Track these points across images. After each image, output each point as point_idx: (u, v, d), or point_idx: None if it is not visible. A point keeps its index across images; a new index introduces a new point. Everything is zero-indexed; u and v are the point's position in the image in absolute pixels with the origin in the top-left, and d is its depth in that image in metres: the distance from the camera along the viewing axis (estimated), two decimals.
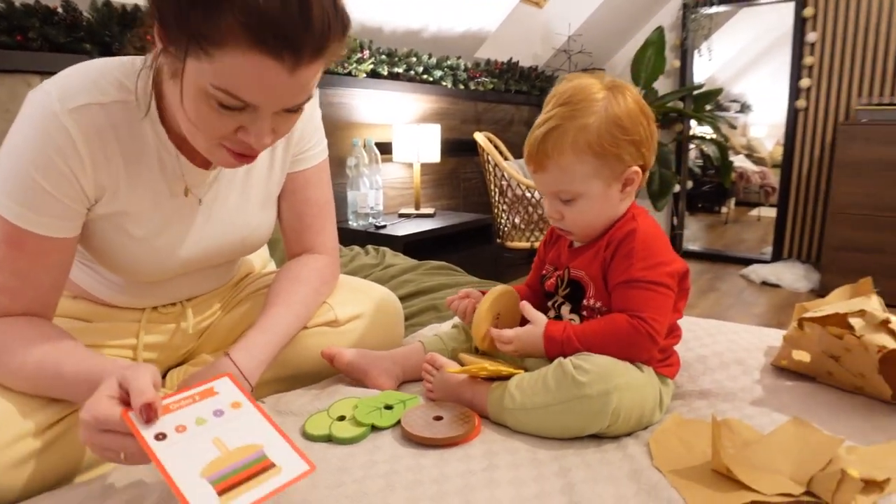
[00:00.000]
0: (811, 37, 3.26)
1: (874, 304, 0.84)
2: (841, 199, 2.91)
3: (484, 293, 0.89)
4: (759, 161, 4.92)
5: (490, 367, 0.79)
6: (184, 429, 0.58)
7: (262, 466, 0.57)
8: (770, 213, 3.92)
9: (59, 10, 1.59)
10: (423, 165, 2.83)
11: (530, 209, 2.67)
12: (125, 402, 0.58)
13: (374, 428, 0.76)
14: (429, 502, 0.62)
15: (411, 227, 2.36)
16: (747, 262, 3.68)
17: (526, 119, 3.63)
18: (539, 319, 0.82)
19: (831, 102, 3.27)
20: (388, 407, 0.80)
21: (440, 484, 0.65)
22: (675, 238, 3.95)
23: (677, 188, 3.79)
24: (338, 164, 2.47)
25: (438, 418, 0.76)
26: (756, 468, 0.64)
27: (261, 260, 1.15)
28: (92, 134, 0.70)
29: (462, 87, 3.04)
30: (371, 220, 2.43)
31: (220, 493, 0.53)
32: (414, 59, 2.74)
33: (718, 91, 3.90)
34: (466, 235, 2.63)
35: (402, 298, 1.32)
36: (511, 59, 3.34)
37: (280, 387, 0.92)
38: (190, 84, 0.63)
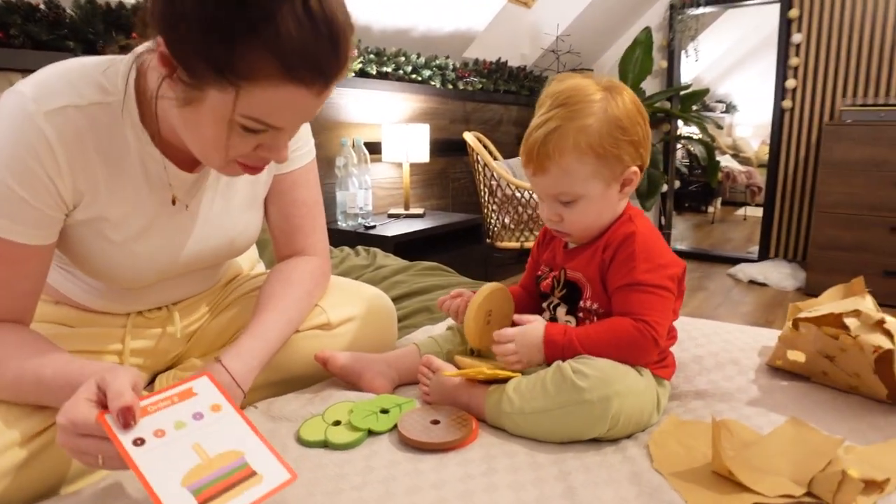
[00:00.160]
0: (796, 38, 3.30)
1: (868, 303, 0.84)
2: (826, 198, 2.95)
3: (475, 293, 0.88)
4: (744, 161, 4.97)
5: (487, 370, 0.78)
6: (163, 433, 0.57)
7: (243, 475, 0.56)
8: (756, 212, 3.96)
9: (42, 6, 1.55)
10: (413, 165, 2.81)
11: (520, 209, 2.67)
12: (103, 404, 0.56)
13: (371, 432, 0.75)
14: None
15: (401, 228, 2.34)
16: (734, 261, 3.72)
17: (514, 119, 3.63)
18: (536, 318, 0.81)
19: (816, 103, 3.30)
20: (384, 411, 0.79)
21: (439, 489, 0.64)
22: (664, 237, 3.97)
23: (665, 188, 3.81)
24: (326, 163, 2.45)
25: (436, 422, 0.75)
26: (756, 469, 0.63)
27: (249, 261, 1.13)
28: (70, 137, 0.67)
29: (451, 86, 3.03)
30: (360, 220, 2.41)
31: (202, 502, 0.52)
32: (403, 59, 2.73)
33: (705, 91, 3.93)
34: (456, 236, 2.62)
35: (395, 300, 1.31)
36: (500, 58, 3.33)
37: (271, 391, 0.91)
38: (211, 112, 0.63)
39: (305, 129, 0.94)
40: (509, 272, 3.33)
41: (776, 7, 3.36)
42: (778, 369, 0.93)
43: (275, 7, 0.57)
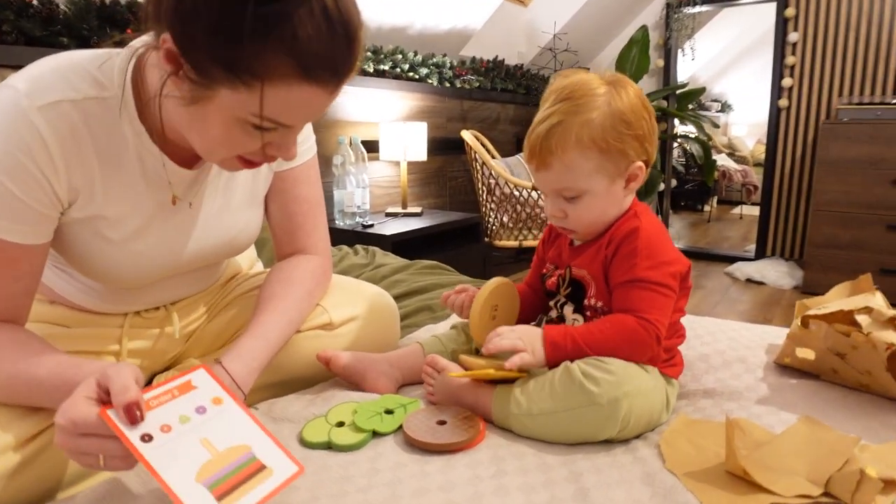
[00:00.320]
0: (793, 37, 3.30)
1: (878, 300, 0.83)
2: (823, 196, 2.95)
3: (480, 288, 0.86)
4: (740, 160, 4.98)
5: (495, 371, 0.76)
6: (169, 428, 0.56)
7: (253, 469, 0.56)
8: (752, 210, 3.96)
9: (35, 2, 1.53)
10: (410, 164, 2.79)
11: (518, 207, 2.66)
12: (104, 402, 0.55)
13: (375, 434, 0.73)
14: None
15: (399, 227, 2.33)
16: (731, 259, 3.72)
17: (512, 117, 3.61)
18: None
19: (813, 101, 3.31)
20: (389, 411, 0.77)
21: (447, 492, 0.62)
22: None
23: (662, 186, 3.81)
24: (324, 162, 2.42)
25: (442, 423, 0.74)
26: (771, 469, 0.62)
27: (248, 260, 1.11)
28: (64, 133, 0.65)
29: (448, 84, 3.02)
30: (358, 219, 2.39)
31: (219, 498, 0.52)
32: (400, 57, 2.71)
33: (702, 90, 3.93)
34: (454, 234, 2.61)
35: (395, 299, 1.29)
36: (497, 56, 3.32)
37: (272, 392, 0.89)
38: (220, 111, 0.61)
39: (306, 125, 0.92)
40: (508, 271, 3.31)
41: (772, 6, 3.36)
42: (786, 367, 0.92)
43: (291, 8, 0.55)
